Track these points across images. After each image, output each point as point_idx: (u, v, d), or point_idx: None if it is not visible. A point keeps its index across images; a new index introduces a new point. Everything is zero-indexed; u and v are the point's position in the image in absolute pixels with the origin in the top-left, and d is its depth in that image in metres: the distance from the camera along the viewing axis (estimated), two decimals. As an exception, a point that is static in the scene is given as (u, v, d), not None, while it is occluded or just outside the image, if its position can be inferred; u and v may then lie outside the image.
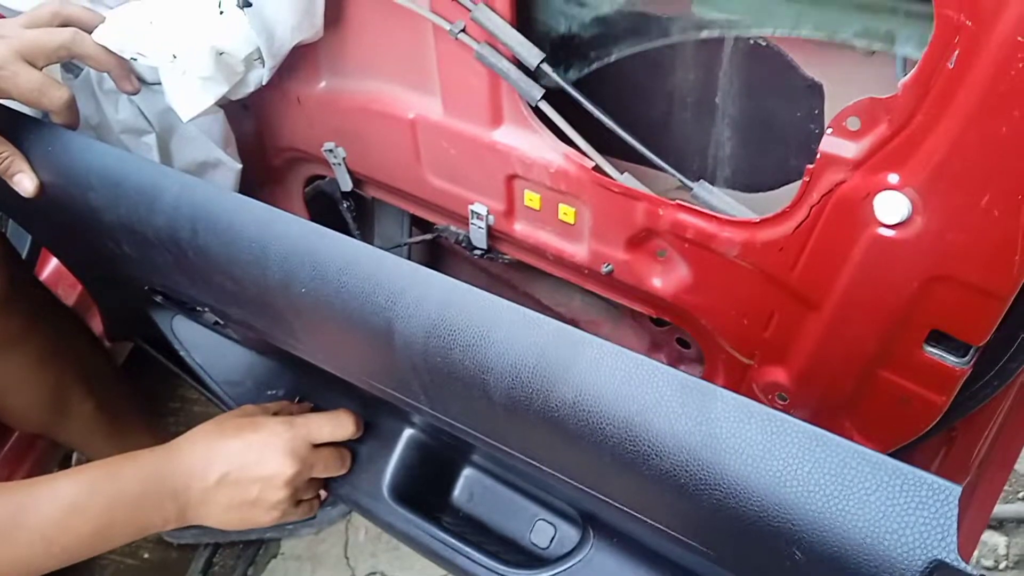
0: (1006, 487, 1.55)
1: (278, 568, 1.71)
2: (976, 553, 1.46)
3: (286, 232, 0.76)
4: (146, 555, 1.79)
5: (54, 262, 1.73)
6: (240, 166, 1.10)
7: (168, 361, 1.49)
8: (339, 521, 1.71)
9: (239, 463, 0.92)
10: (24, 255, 1.65)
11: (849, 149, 0.68)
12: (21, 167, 0.89)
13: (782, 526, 0.51)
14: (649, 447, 0.56)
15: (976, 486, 0.97)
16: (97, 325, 1.67)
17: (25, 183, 0.89)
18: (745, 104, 0.85)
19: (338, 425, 1.01)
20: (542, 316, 0.62)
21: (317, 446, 0.99)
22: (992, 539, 1.47)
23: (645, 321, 1.12)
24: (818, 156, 0.70)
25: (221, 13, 0.87)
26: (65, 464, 1.74)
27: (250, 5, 0.87)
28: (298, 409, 1.09)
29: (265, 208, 0.79)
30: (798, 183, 0.73)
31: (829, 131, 0.69)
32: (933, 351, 0.74)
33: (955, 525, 0.46)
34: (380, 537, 1.66)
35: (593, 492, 0.69)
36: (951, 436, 0.92)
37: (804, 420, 0.52)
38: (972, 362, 0.73)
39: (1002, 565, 1.45)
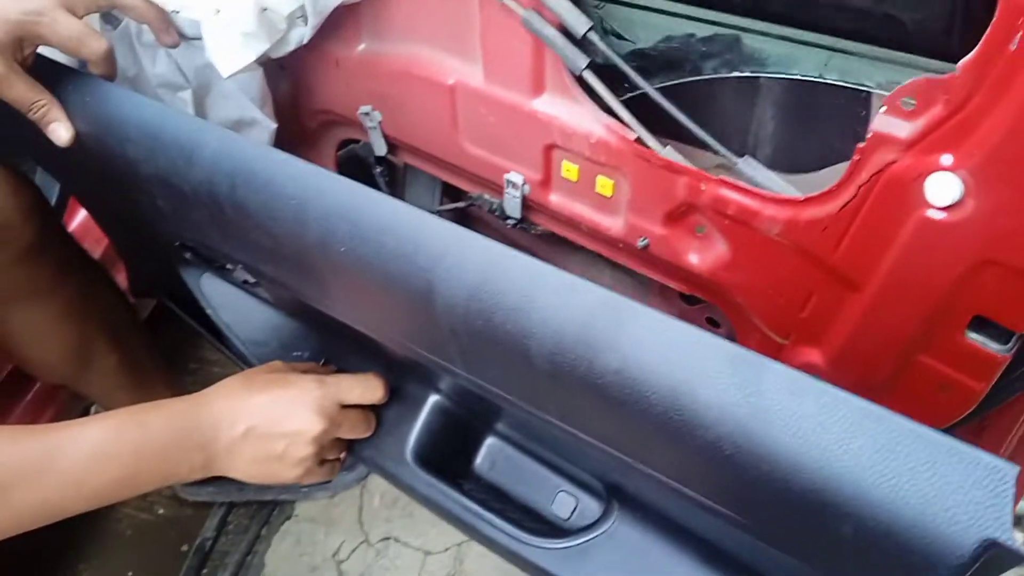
0: None
1: (291, 530, 1.72)
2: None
3: (326, 190, 0.76)
4: (161, 511, 1.81)
5: (80, 215, 1.73)
6: (275, 126, 1.10)
7: (192, 320, 1.49)
8: (354, 486, 1.72)
9: (268, 417, 0.92)
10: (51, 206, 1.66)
11: (903, 129, 0.67)
12: (57, 116, 0.89)
13: (832, 501, 0.51)
14: (696, 417, 0.55)
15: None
16: (122, 280, 1.68)
17: (60, 132, 0.89)
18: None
19: (368, 388, 1.01)
20: (588, 282, 0.62)
21: (345, 407, 0.99)
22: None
23: (675, 299, 1.11)
24: (870, 135, 0.69)
25: None
26: (85, 416, 1.75)
27: (295, -39, 0.86)
28: (325, 371, 1.09)
29: (306, 165, 0.78)
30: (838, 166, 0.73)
31: (883, 109, 0.68)
32: (975, 337, 0.73)
33: (1011, 505, 0.45)
34: (395, 503, 1.67)
35: (633, 461, 0.68)
36: (981, 426, 0.91)
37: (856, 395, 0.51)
38: (1014, 349, 0.73)
39: (1018, 558, 1.44)
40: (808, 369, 0.87)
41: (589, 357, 0.60)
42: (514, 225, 1.04)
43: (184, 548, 1.74)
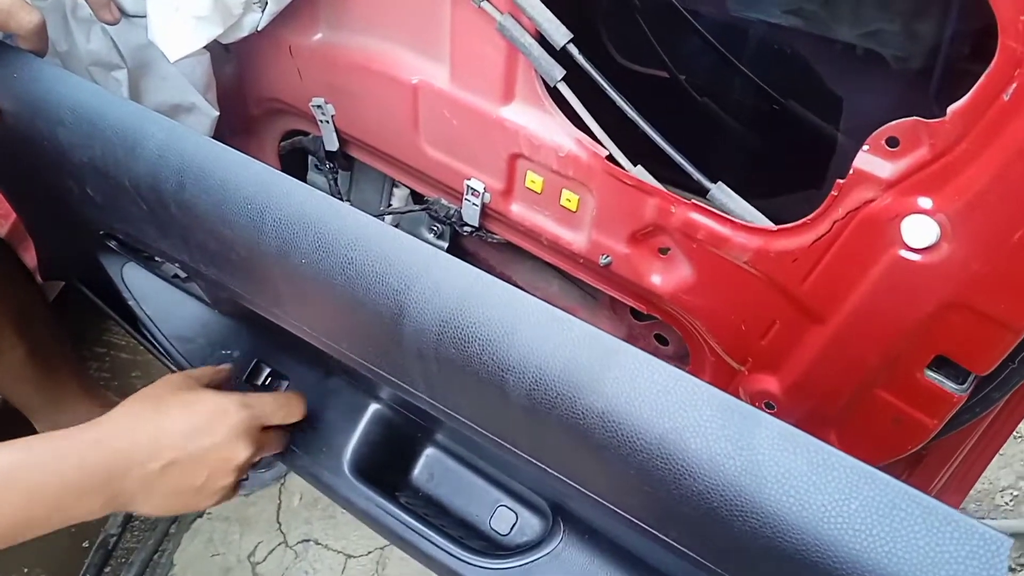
0: (973, 509, 1.59)
1: (204, 528, 1.65)
2: None
3: (289, 196, 0.71)
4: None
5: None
6: (216, 114, 1.04)
7: (106, 306, 1.40)
8: (272, 484, 1.66)
9: (189, 448, 0.84)
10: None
11: (884, 168, 0.68)
12: None
13: (821, 563, 0.50)
14: (683, 467, 0.54)
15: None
16: (30, 260, 1.57)
17: None
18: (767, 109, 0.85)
19: (289, 411, 0.95)
20: (572, 318, 0.60)
21: (265, 428, 0.94)
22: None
23: (625, 313, 1.10)
24: (850, 172, 0.69)
25: None
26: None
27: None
28: (228, 375, 1.01)
29: (265, 168, 0.73)
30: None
31: (865, 148, 0.68)
32: (934, 376, 0.74)
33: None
34: (316, 503, 1.62)
35: (608, 503, 0.67)
36: (919, 457, 0.93)
37: (852, 456, 0.51)
38: (969, 390, 0.74)
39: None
40: (763, 396, 0.87)
41: (571, 396, 0.58)
42: (470, 233, 1.01)
43: (85, 544, 1.65)
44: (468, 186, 0.96)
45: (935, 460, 0.93)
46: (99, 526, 1.66)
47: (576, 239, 0.92)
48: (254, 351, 1.13)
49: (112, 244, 1.10)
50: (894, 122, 0.66)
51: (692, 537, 0.61)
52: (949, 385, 0.74)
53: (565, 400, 0.59)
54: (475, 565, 0.92)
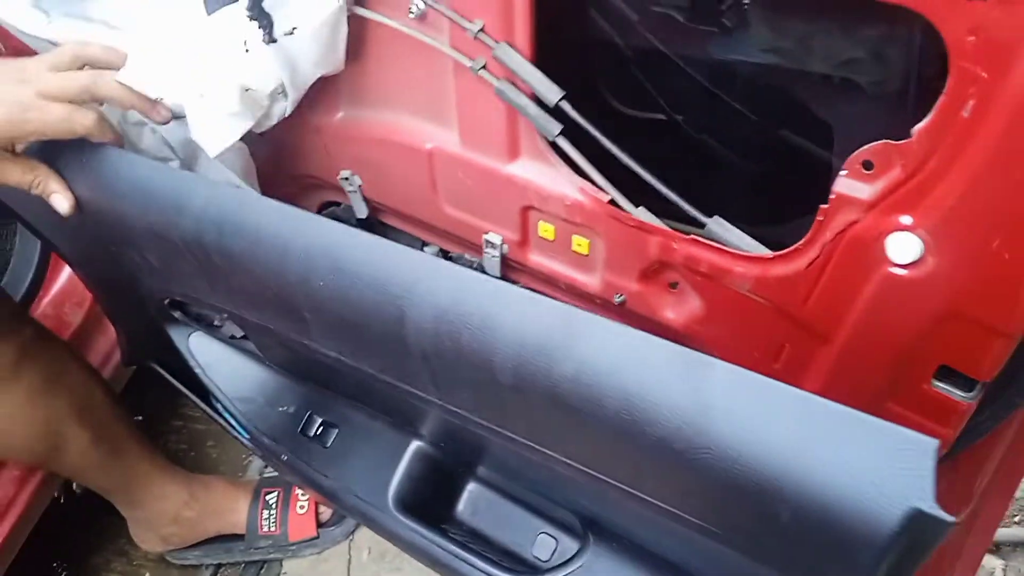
0: None
1: (280, 587, 1.71)
2: (974, 576, 1.48)
3: (308, 230, 0.79)
4: (147, 574, 1.80)
5: (59, 283, 1.73)
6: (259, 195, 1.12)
7: (178, 382, 1.50)
8: (342, 541, 1.72)
9: None
10: (32, 273, 1.66)
11: (863, 191, 0.71)
12: (55, 187, 0.90)
13: (770, 485, 0.53)
14: (646, 416, 0.59)
15: (979, 514, 0.99)
16: (95, 355, 1.69)
17: (60, 202, 0.90)
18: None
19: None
20: (549, 300, 0.65)
21: None
22: (990, 562, 1.49)
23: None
24: (832, 196, 0.72)
25: (247, 51, 0.89)
26: (68, 486, 1.73)
27: (275, 41, 0.89)
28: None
29: (289, 208, 0.81)
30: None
31: (844, 173, 0.71)
32: (941, 386, 0.76)
33: (933, 475, 0.48)
34: (383, 556, 1.67)
35: (593, 471, 0.71)
36: (955, 465, 0.94)
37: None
38: (978, 397, 0.76)
39: (999, 587, 1.48)
40: (784, 419, 0.89)
41: (547, 366, 0.63)
42: (494, 283, 1.06)
43: (174, 609, 1.73)
44: (487, 240, 1.01)
45: (970, 468, 0.93)
46: (185, 591, 1.75)
47: (591, 281, 0.97)
48: (307, 405, 1.20)
49: (176, 315, 1.18)
50: (867, 146, 0.69)
51: (667, 488, 0.65)
52: (957, 394, 0.76)
53: (543, 371, 0.64)
54: None
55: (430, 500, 1.08)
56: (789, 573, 0.62)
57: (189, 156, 1.06)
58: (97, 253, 1.07)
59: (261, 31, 0.90)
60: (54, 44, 1.14)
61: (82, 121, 0.89)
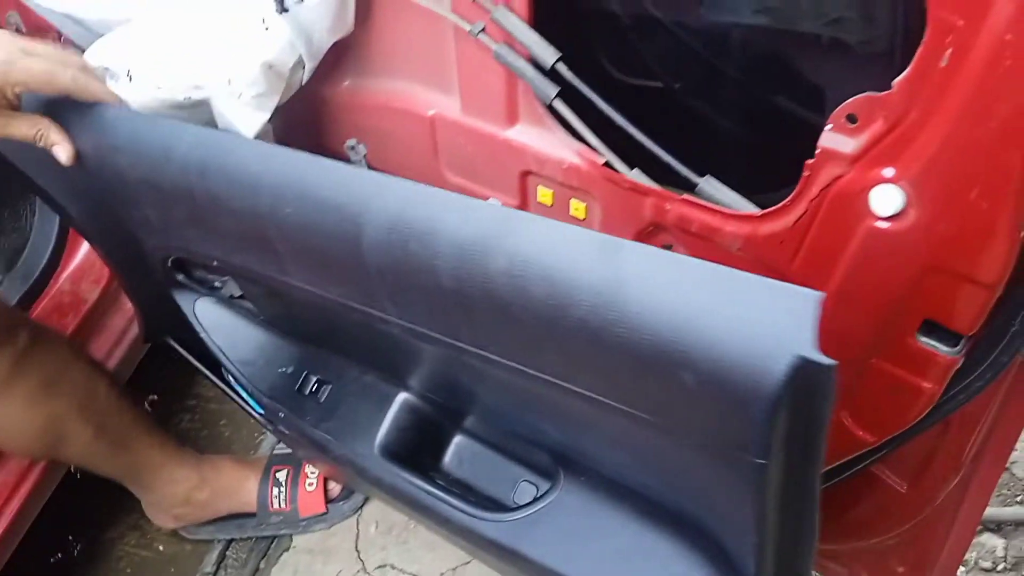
0: (1004, 490, 1.57)
1: (290, 561, 1.74)
2: (974, 554, 1.48)
3: (277, 161, 0.82)
4: (161, 547, 1.83)
5: (76, 260, 1.77)
6: None
7: (193, 358, 1.52)
8: (350, 516, 1.74)
9: None
10: (50, 249, 1.70)
11: (847, 144, 0.72)
12: (56, 138, 0.92)
13: (676, 351, 0.57)
14: (567, 298, 0.61)
15: (969, 481, 1.00)
16: (111, 331, 1.72)
17: (60, 152, 0.93)
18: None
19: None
20: (486, 202, 0.68)
21: None
22: (991, 541, 1.49)
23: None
24: (817, 151, 0.74)
25: (267, 29, 0.92)
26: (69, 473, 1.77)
27: (287, 11, 0.91)
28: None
29: (262, 145, 0.85)
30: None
31: (828, 127, 0.72)
32: (925, 340, 0.77)
33: (814, 324, 0.51)
34: (390, 531, 1.70)
35: (531, 370, 0.73)
36: (945, 430, 0.95)
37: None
38: (963, 352, 0.77)
39: (1000, 567, 1.47)
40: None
41: (483, 264, 0.66)
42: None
43: (183, 585, 1.76)
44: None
45: (960, 432, 0.94)
46: (196, 565, 1.78)
47: (588, 245, 0.98)
48: (303, 364, 1.22)
49: (180, 278, 1.21)
50: (851, 99, 0.70)
51: (594, 376, 0.69)
52: (942, 348, 0.77)
53: (480, 268, 0.67)
54: (487, 520, 0.98)
55: (416, 450, 1.10)
56: (708, 446, 0.66)
57: None
58: (103, 215, 1.10)
59: (273, 1, 0.93)
60: (73, 18, 1.17)
61: (63, 77, 0.91)
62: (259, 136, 1.09)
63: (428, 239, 0.69)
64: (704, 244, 0.87)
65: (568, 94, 0.89)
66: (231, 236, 0.91)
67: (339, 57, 1.06)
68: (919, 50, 0.65)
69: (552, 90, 0.89)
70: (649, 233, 0.91)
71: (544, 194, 0.98)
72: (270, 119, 1.08)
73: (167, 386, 2.02)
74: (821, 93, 0.87)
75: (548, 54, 0.86)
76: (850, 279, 0.78)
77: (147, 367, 1.86)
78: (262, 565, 1.76)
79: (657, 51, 0.95)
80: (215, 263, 1.05)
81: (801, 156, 0.91)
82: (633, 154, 0.89)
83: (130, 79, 1.01)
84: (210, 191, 0.85)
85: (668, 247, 0.92)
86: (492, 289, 0.66)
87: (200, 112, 1.04)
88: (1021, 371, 0.87)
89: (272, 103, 1.00)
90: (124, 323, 1.78)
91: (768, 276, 0.83)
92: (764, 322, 0.54)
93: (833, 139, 0.73)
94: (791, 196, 0.78)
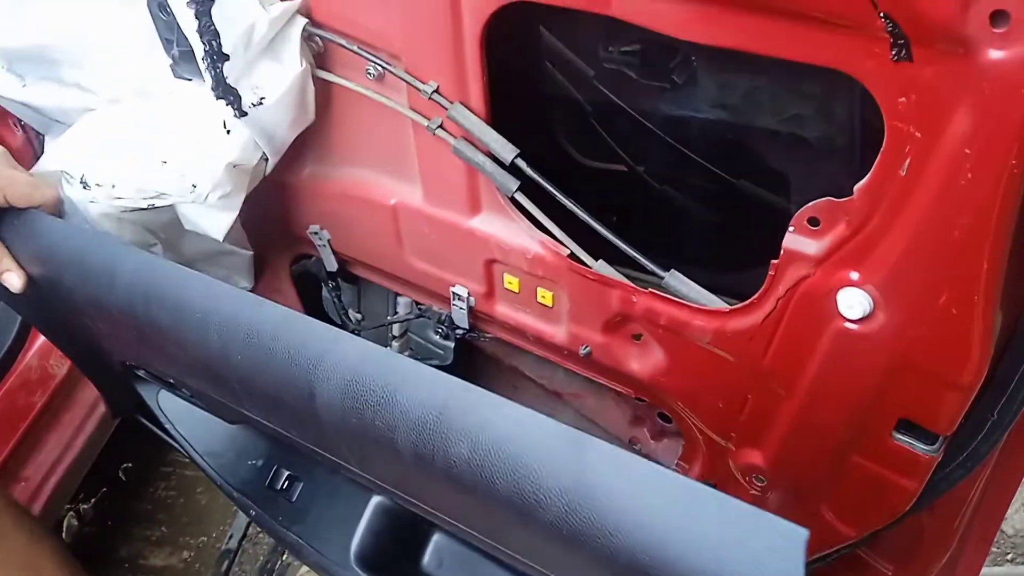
0: (994, 548, 1.55)
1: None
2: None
3: (224, 302, 0.78)
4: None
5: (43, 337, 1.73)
6: (251, 253, 1.13)
7: (161, 432, 1.49)
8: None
9: None
10: (16, 327, 1.66)
11: (811, 246, 0.70)
12: (6, 265, 0.90)
13: (647, 565, 0.52)
14: (534, 499, 0.57)
15: (958, 559, 0.98)
16: (80, 405, 1.70)
17: (11, 280, 0.91)
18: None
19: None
20: (445, 376, 0.64)
21: None
22: (982, 601, 1.47)
23: (628, 395, 1.13)
24: (782, 252, 0.72)
25: (228, 132, 0.90)
26: (57, 529, 1.73)
27: (246, 115, 0.89)
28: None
29: (207, 281, 0.80)
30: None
31: (791, 229, 0.71)
32: (902, 439, 0.75)
33: (803, 564, 0.47)
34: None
35: (494, 543, 0.70)
36: (930, 512, 0.93)
37: (678, 471, 0.54)
38: (941, 449, 0.75)
39: (993, 627, 1.45)
40: (751, 470, 0.88)
41: (444, 447, 0.62)
42: (463, 335, 1.06)
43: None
44: (454, 292, 1.01)
45: (946, 514, 0.92)
46: None
47: (557, 332, 0.96)
48: (273, 458, 1.19)
49: (141, 374, 1.18)
50: (812, 203, 0.69)
51: (559, 564, 0.65)
52: (920, 447, 0.75)
53: (440, 450, 0.63)
54: None
55: (393, 555, 1.07)
56: None
57: (174, 235, 1.06)
58: (58, 320, 1.07)
59: (230, 108, 0.91)
60: (29, 107, 1.15)
61: (44, 194, 0.90)
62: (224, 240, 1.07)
63: (384, 410, 0.65)
64: (673, 336, 0.85)
65: (530, 185, 0.88)
66: (182, 365, 0.88)
67: (301, 145, 1.04)
68: (879, 157, 0.63)
69: (513, 184, 0.87)
70: (617, 323, 0.89)
71: (511, 281, 0.96)
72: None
73: (142, 454, 1.98)
74: (783, 178, 0.85)
75: (507, 151, 0.84)
76: (822, 376, 0.76)
77: (121, 433, 1.82)
78: None
79: (618, 135, 0.93)
80: (171, 380, 1.02)
81: (765, 237, 0.89)
82: (599, 243, 0.88)
83: (84, 186, 0.99)
84: (155, 322, 0.82)
85: (638, 336, 0.90)
86: (454, 473, 0.62)
87: (161, 212, 1.02)
88: (1004, 452, 0.85)
89: (239, 201, 0.98)
90: (94, 397, 1.74)
91: (740, 370, 0.82)
92: (753, 555, 0.49)
93: (797, 241, 0.71)
94: (758, 293, 0.76)
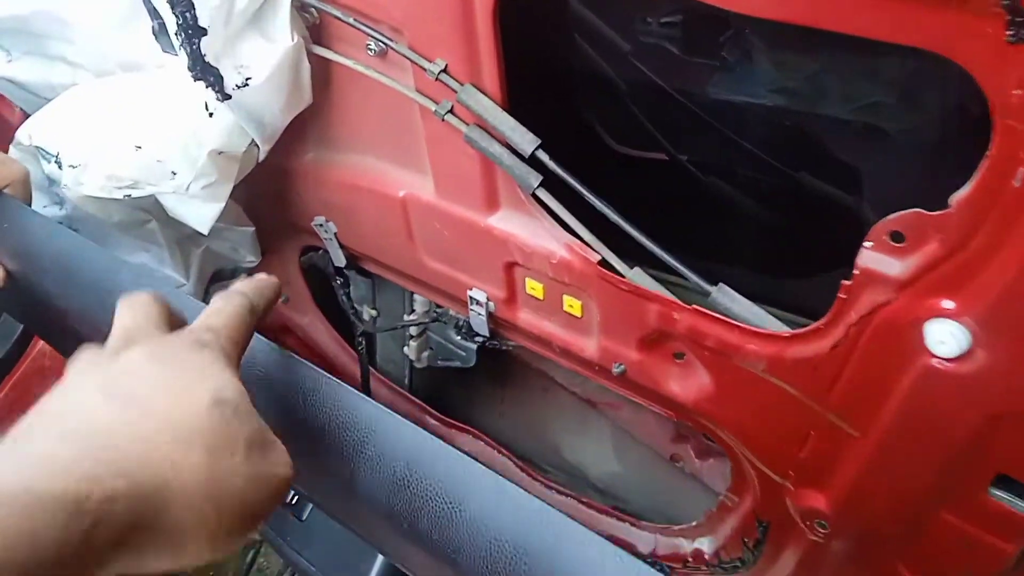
0: None
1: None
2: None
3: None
4: None
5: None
6: (252, 228, 1.03)
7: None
8: None
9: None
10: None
11: (892, 266, 0.57)
12: None
13: None
14: None
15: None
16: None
17: None
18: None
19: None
20: (522, 492, 0.52)
21: None
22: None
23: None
24: (855, 272, 0.59)
25: (211, 115, 0.79)
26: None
27: (229, 97, 0.78)
28: None
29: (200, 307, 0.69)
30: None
31: (868, 244, 0.57)
32: (1000, 495, 0.62)
33: None
34: None
35: None
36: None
37: None
38: (1048, 508, 0.62)
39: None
40: (813, 515, 0.76)
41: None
42: (483, 343, 0.94)
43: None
44: (471, 297, 0.89)
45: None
46: None
47: (587, 346, 0.84)
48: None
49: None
50: (895, 215, 0.55)
51: None
52: (1020, 505, 0.62)
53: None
54: None
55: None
56: None
57: (167, 214, 0.96)
58: (47, 321, 0.98)
59: (210, 90, 0.79)
60: (14, 83, 1.06)
61: (11, 169, 0.81)
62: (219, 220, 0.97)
63: (447, 524, 0.54)
64: (722, 360, 0.72)
65: (555, 179, 0.75)
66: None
67: (301, 127, 0.93)
68: (984, 162, 0.49)
69: (534, 179, 0.74)
70: (656, 340, 0.77)
71: (533, 287, 0.84)
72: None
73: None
74: (854, 173, 0.72)
75: (526, 141, 0.72)
76: (904, 418, 0.63)
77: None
78: None
79: (658, 120, 0.80)
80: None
81: (829, 240, 0.76)
82: (635, 245, 0.75)
83: (59, 166, 0.89)
84: None
85: (680, 355, 0.77)
86: None
87: (145, 200, 0.92)
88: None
89: (226, 191, 0.88)
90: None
91: (801, 405, 0.69)
92: None
93: (875, 259, 0.58)
94: (826, 318, 0.63)
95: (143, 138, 0.85)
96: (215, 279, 1.06)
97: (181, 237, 0.99)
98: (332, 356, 1.22)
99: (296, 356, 0.64)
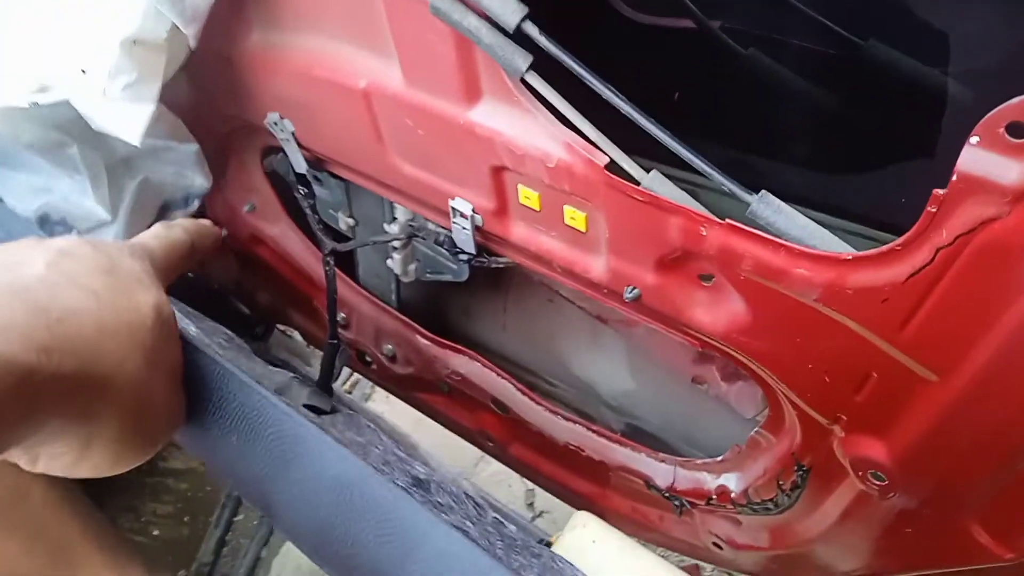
0: None
1: (293, 550, 1.57)
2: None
3: None
4: (156, 532, 1.67)
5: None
6: (196, 146, 0.87)
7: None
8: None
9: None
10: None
11: (1008, 170, 0.42)
12: None
13: None
14: None
15: None
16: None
17: None
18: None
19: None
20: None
21: None
22: None
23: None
24: (953, 177, 0.43)
25: None
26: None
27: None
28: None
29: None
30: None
31: (974, 140, 0.42)
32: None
33: None
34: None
35: None
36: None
37: None
38: None
39: None
40: (868, 465, 0.63)
41: None
42: (469, 260, 0.80)
43: (182, 573, 1.61)
44: (453, 208, 0.74)
45: None
46: (193, 552, 1.63)
47: (593, 265, 0.70)
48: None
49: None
50: (1016, 99, 0.40)
51: None
52: None
53: None
54: None
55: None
56: None
57: (92, 135, 0.79)
58: None
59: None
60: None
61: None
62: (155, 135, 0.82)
63: None
64: (762, 287, 0.58)
65: (549, 60, 0.59)
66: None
67: (239, 4, 0.76)
68: None
69: (523, 60, 0.58)
70: (676, 260, 0.62)
71: (528, 196, 0.69)
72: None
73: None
74: (942, 40, 0.55)
75: (509, 10, 0.56)
76: (1002, 363, 0.49)
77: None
78: (263, 554, 1.60)
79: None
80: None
81: (902, 131, 0.61)
82: (650, 141, 0.59)
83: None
84: None
85: (707, 278, 0.63)
86: None
87: (62, 118, 0.76)
88: None
89: (153, 90, 0.72)
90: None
91: (861, 342, 0.55)
92: None
93: (982, 159, 0.42)
94: (906, 237, 0.48)
95: (43, 29, 0.69)
96: (163, 216, 0.90)
97: (111, 164, 0.84)
98: (308, 269, 1.08)
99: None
